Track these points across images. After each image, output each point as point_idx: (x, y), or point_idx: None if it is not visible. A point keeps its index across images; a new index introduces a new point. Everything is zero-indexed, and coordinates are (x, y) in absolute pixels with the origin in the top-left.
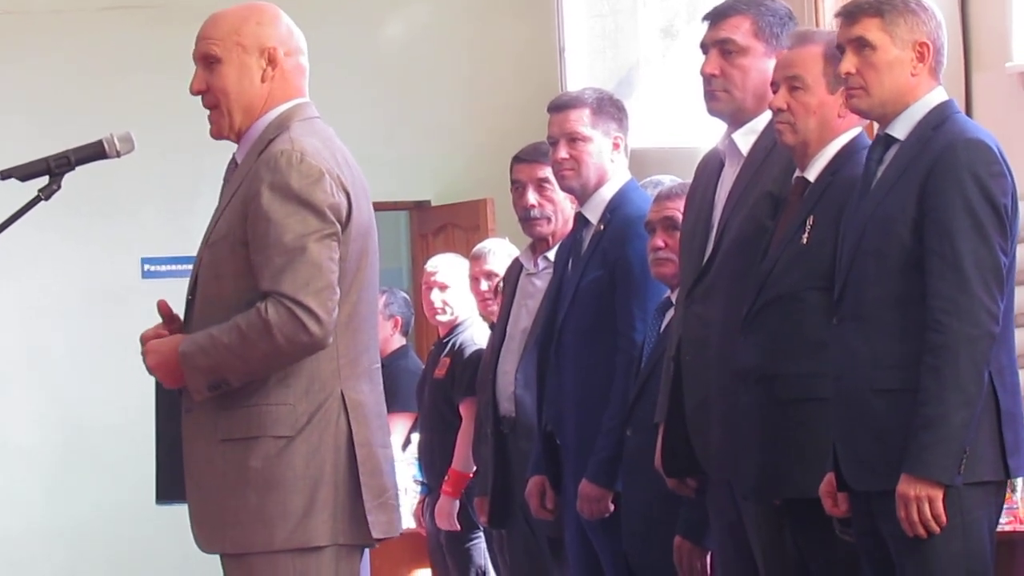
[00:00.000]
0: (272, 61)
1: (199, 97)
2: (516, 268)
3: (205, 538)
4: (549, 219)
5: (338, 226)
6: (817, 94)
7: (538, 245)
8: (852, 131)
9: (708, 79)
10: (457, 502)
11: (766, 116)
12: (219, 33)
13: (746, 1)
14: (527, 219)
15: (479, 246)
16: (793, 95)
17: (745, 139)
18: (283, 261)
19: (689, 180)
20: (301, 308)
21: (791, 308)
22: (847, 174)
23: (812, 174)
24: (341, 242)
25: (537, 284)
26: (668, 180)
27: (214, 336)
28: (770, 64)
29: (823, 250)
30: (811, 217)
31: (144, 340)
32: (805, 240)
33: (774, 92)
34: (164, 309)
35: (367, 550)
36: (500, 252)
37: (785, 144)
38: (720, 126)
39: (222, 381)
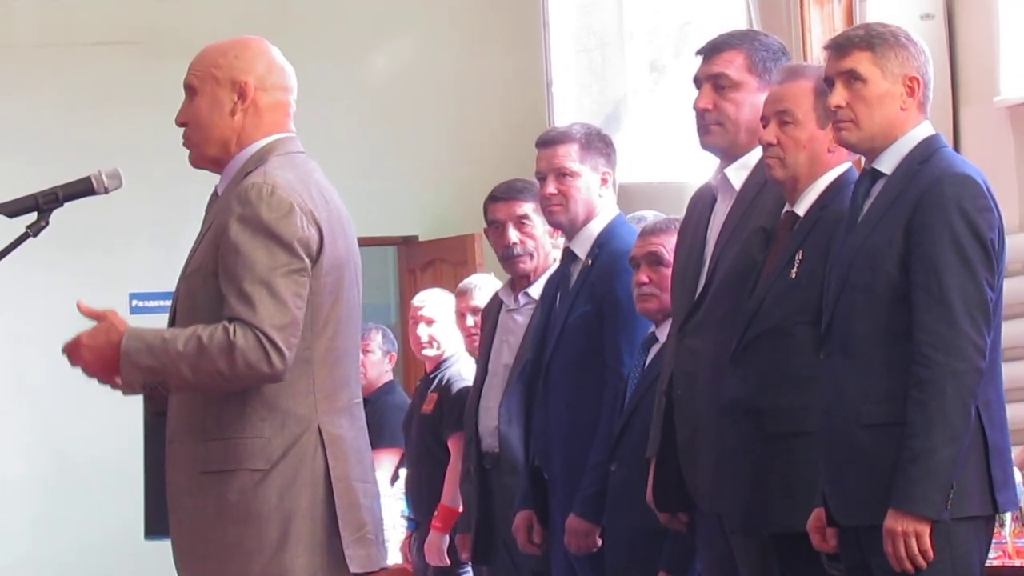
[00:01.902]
0: (243, 95)
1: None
2: (496, 304)
3: (187, 570)
4: (531, 255)
5: (307, 261)
6: (807, 129)
7: (518, 282)
8: (842, 166)
9: (701, 114)
10: (447, 537)
11: (759, 151)
12: (199, 64)
13: (739, 35)
14: (509, 257)
15: (465, 282)
16: (783, 129)
17: (737, 174)
18: (251, 291)
19: (676, 215)
20: (268, 341)
21: (780, 342)
22: (836, 208)
23: (801, 208)
24: (312, 276)
25: (518, 320)
26: (652, 215)
27: (167, 340)
28: (763, 98)
29: (812, 284)
30: (800, 251)
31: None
32: (794, 274)
33: (764, 126)
34: (86, 310)
35: None
36: (486, 288)
37: (774, 178)
38: (712, 161)
39: (160, 383)
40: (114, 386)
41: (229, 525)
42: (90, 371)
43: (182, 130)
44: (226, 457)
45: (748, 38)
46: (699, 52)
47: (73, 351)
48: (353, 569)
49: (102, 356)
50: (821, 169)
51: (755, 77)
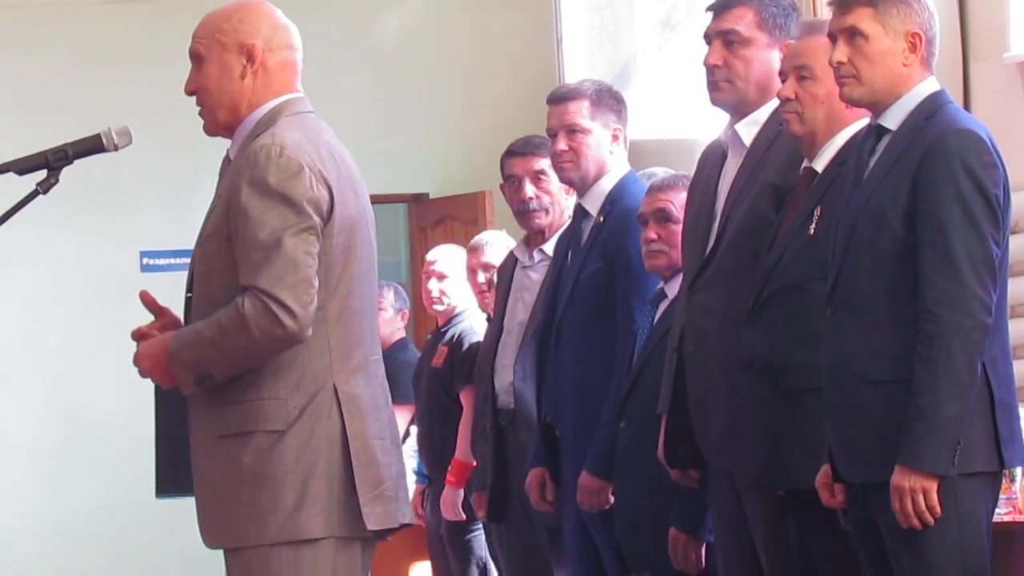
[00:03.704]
0: (251, 58)
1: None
2: (511, 261)
3: (207, 533)
4: (547, 211)
5: (317, 219)
6: (825, 84)
7: (533, 238)
8: (860, 122)
9: (711, 70)
10: (461, 492)
11: (769, 107)
12: (203, 32)
13: None
14: (524, 212)
15: (476, 238)
16: (801, 85)
17: (748, 130)
18: (260, 256)
19: (686, 172)
20: (275, 302)
21: (797, 299)
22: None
23: (820, 164)
24: (323, 236)
25: (533, 277)
26: (661, 172)
27: (198, 331)
28: (773, 55)
29: (830, 241)
30: (818, 208)
31: (136, 337)
32: (812, 231)
33: (783, 81)
34: (148, 301)
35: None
36: (497, 244)
37: (793, 134)
38: (722, 117)
39: (207, 375)
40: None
41: (245, 487)
42: (153, 378)
43: (189, 97)
44: (243, 419)
45: None
46: (709, 8)
47: (137, 362)
48: (370, 526)
49: (159, 364)
50: (839, 125)
51: (765, 33)
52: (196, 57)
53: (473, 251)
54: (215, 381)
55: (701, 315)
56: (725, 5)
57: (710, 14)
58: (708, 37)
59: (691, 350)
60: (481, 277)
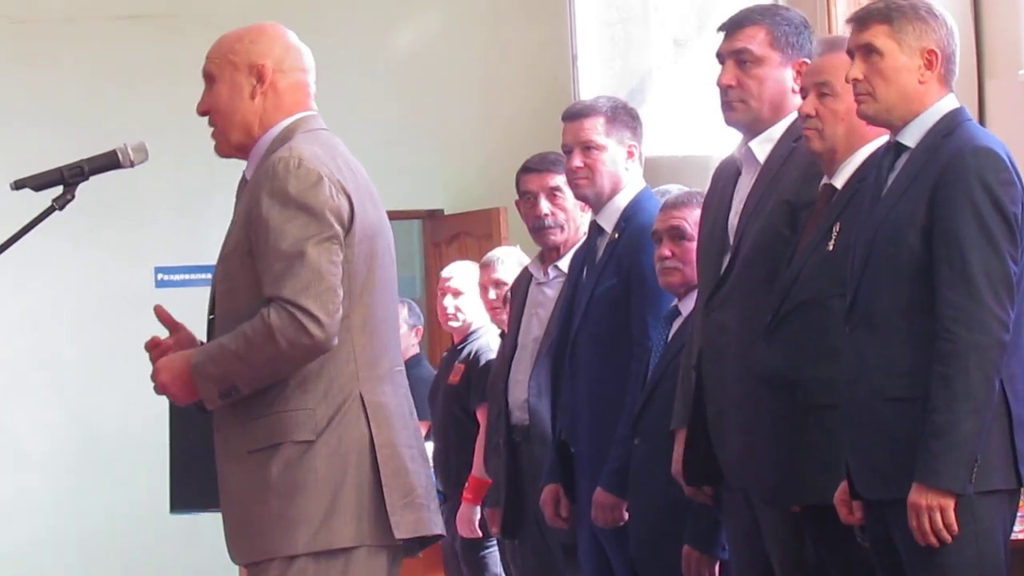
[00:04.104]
0: (261, 78)
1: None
2: (525, 277)
3: (236, 549)
4: (562, 227)
5: (338, 228)
6: (845, 101)
7: (548, 254)
8: (880, 139)
9: (725, 90)
10: (478, 509)
11: (783, 124)
12: (216, 53)
13: (761, 10)
14: (540, 228)
15: (488, 255)
16: (822, 101)
17: (762, 147)
18: (283, 266)
19: (701, 188)
20: (302, 311)
21: (816, 314)
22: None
23: (839, 181)
24: (345, 244)
25: (548, 293)
26: (675, 189)
27: (223, 344)
28: (786, 73)
29: (849, 257)
30: (837, 224)
31: (149, 348)
32: (831, 247)
33: (803, 98)
34: (163, 316)
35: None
36: (509, 260)
37: (813, 151)
38: (736, 134)
39: (232, 388)
40: (198, 406)
41: (275, 499)
42: (169, 393)
43: (201, 117)
44: (272, 432)
45: (770, 13)
46: (721, 28)
47: (154, 376)
48: (400, 535)
49: (180, 377)
50: (860, 142)
51: (777, 52)
52: (208, 77)
53: (485, 268)
54: (240, 394)
55: (718, 334)
56: (737, 24)
57: (722, 34)
58: (721, 57)
59: (709, 368)
60: (492, 294)
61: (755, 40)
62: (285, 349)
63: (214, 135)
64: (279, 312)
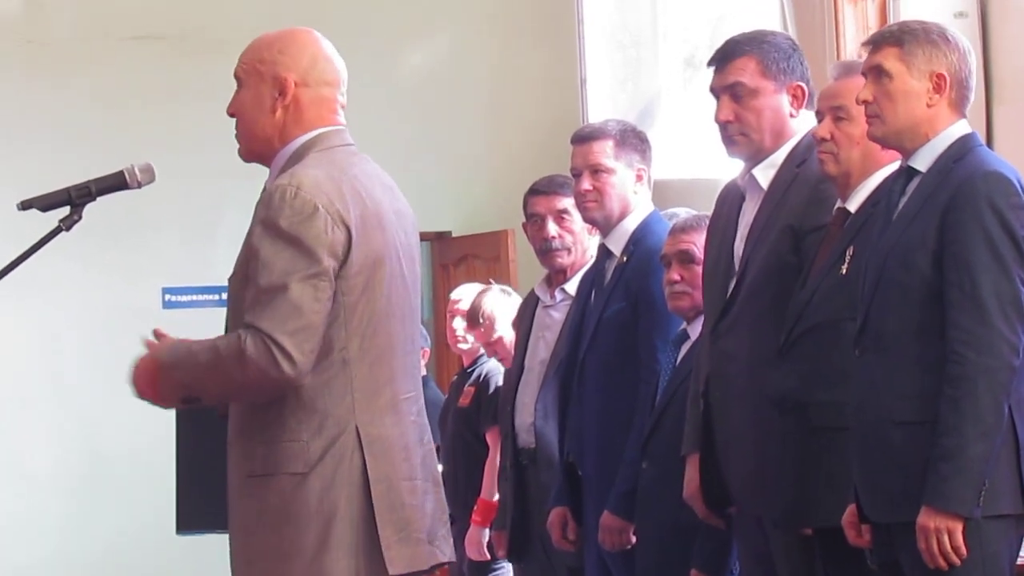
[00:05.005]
0: (283, 92)
1: (221, 125)
2: (532, 301)
3: (236, 573)
4: (569, 250)
5: (329, 263)
6: (861, 125)
7: (555, 277)
8: (894, 164)
9: (724, 126)
10: (487, 531)
11: (784, 150)
12: (247, 56)
13: (747, 40)
14: (546, 251)
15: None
16: (837, 125)
17: (765, 173)
18: (265, 299)
19: (709, 211)
20: (276, 346)
21: (828, 337)
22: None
23: (853, 205)
24: (341, 277)
25: (554, 316)
26: (684, 212)
27: (194, 352)
28: (782, 99)
29: (860, 281)
30: (851, 248)
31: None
32: (844, 270)
33: (819, 121)
34: (161, 338)
35: None
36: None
37: (827, 174)
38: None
39: (194, 398)
40: (160, 405)
41: (269, 529)
42: (139, 392)
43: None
44: (267, 461)
45: (757, 42)
46: (710, 63)
47: (131, 375)
48: (394, 571)
49: (147, 373)
50: (875, 166)
51: (770, 80)
52: (237, 79)
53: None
54: (201, 404)
55: (725, 361)
56: (726, 58)
57: (712, 68)
58: (715, 92)
59: (717, 396)
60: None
61: (746, 72)
62: (253, 377)
63: (237, 138)
64: (255, 341)
